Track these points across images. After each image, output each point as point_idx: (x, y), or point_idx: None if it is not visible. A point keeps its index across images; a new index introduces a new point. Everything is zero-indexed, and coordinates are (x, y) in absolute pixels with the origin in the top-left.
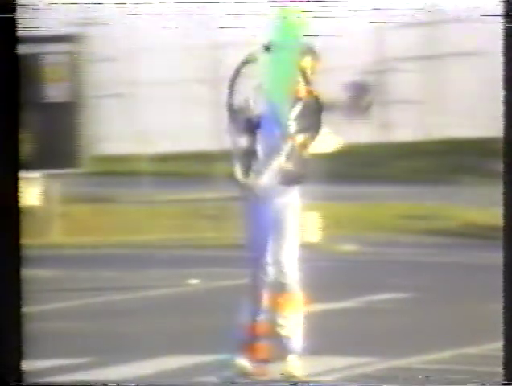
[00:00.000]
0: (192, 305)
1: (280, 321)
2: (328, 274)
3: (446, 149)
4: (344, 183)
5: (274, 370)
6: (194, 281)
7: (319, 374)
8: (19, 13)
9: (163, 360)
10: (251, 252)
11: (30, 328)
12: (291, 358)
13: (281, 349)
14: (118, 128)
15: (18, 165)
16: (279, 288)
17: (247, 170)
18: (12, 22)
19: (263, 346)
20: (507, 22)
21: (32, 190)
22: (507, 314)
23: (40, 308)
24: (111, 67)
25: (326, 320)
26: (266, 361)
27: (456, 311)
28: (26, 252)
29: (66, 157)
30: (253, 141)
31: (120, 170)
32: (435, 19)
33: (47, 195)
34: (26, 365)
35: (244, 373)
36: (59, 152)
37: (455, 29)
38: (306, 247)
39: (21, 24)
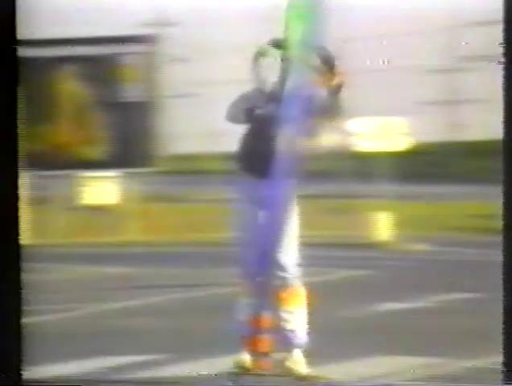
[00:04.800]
0: None
1: (283, 316)
2: (398, 274)
3: None
4: (414, 183)
5: (276, 364)
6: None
7: (389, 374)
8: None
9: (226, 360)
10: (254, 248)
11: (79, 329)
12: (294, 353)
13: (285, 344)
14: (190, 127)
15: (18, 165)
16: (282, 283)
17: (254, 165)
18: (10, 23)
19: (266, 340)
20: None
21: (109, 189)
22: (507, 314)
23: (112, 305)
24: (184, 67)
25: (396, 320)
26: (268, 355)
27: None
28: (56, 251)
29: (141, 156)
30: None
31: (192, 169)
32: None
33: (123, 193)
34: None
35: (245, 368)
36: (134, 151)
37: None
38: (376, 246)
39: (93, 26)
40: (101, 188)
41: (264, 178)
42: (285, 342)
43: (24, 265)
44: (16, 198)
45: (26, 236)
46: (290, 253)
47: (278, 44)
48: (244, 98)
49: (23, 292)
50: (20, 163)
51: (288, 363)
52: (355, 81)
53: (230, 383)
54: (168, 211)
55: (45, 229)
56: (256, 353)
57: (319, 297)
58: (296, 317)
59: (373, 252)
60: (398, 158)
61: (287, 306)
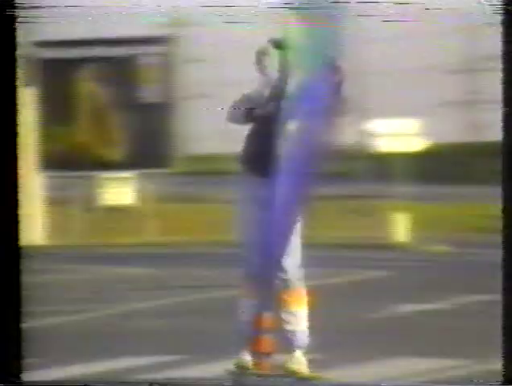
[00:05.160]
0: None
1: (285, 317)
2: (416, 275)
3: None
4: (433, 184)
5: (278, 365)
6: None
7: (409, 376)
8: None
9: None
10: (257, 249)
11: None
12: (296, 353)
13: (286, 345)
14: (208, 128)
15: (18, 164)
16: (284, 284)
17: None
18: (9, 22)
19: (268, 341)
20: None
21: (127, 190)
22: (506, 314)
23: (131, 307)
24: (201, 68)
25: (416, 321)
26: (270, 355)
27: None
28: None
29: (158, 157)
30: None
31: (209, 169)
32: None
33: (140, 194)
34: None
35: (247, 368)
36: (152, 152)
37: None
38: (395, 247)
39: (112, 28)
40: (119, 189)
41: (267, 179)
42: (287, 343)
43: (41, 266)
44: (16, 198)
45: (45, 237)
46: (292, 255)
47: (278, 44)
48: (244, 99)
49: (24, 293)
50: (38, 164)
51: (290, 364)
52: (374, 82)
53: (232, 384)
54: (186, 212)
55: (64, 230)
56: (258, 353)
57: (338, 299)
58: (298, 318)
59: (391, 253)
60: (417, 159)
61: (289, 308)
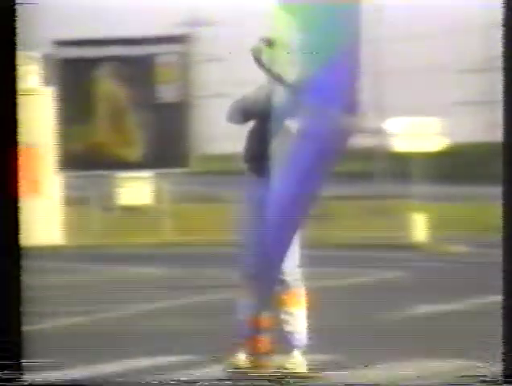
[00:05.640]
0: None
1: (284, 317)
2: (435, 275)
3: None
4: (451, 184)
5: (277, 365)
6: None
7: (426, 377)
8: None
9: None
10: (254, 250)
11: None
12: (294, 354)
13: (285, 345)
14: (226, 127)
15: (18, 164)
16: (282, 285)
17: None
18: (9, 20)
19: (266, 340)
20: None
21: (145, 190)
22: (506, 314)
23: (148, 306)
24: (219, 67)
25: (434, 322)
26: (268, 355)
27: None
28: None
29: (176, 156)
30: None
31: (227, 169)
32: None
33: (158, 194)
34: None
35: (244, 368)
36: (169, 152)
37: None
38: (414, 247)
39: (130, 27)
40: (137, 189)
41: (266, 178)
42: (285, 343)
43: (62, 266)
44: (16, 198)
45: (63, 237)
46: (291, 255)
47: (270, 42)
48: (243, 98)
49: (24, 294)
50: (57, 163)
51: (288, 364)
52: (393, 81)
53: (230, 383)
54: (203, 212)
55: (81, 230)
56: (256, 353)
57: (355, 299)
58: (296, 318)
59: (409, 253)
60: (437, 159)
61: (287, 308)
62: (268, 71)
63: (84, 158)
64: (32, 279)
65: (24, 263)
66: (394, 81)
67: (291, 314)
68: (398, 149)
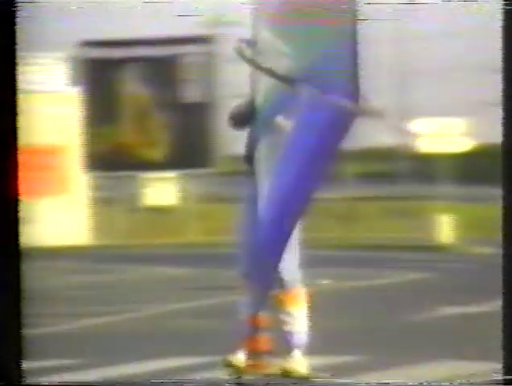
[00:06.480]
0: (325, 305)
1: (283, 317)
2: (461, 277)
3: None
4: (478, 185)
5: (276, 365)
6: (326, 282)
7: (450, 378)
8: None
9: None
10: (251, 249)
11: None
12: (294, 354)
13: (284, 345)
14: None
15: (18, 164)
16: (282, 284)
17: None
18: (10, 20)
19: (264, 339)
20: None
21: (170, 190)
22: (507, 314)
23: (174, 307)
24: (243, 67)
25: (458, 323)
26: (268, 354)
27: None
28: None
29: (201, 157)
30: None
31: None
32: None
33: (184, 194)
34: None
35: (243, 367)
36: (194, 152)
37: None
38: (440, 248)
39: (154, 28)
40: (162, 189)
41: (267, 179)
42: (285, 343)
43: (89, 266)
44: (16, 198)
45: (89, 237)
46: (290, 255)
47: (250, 43)
48: (236, 105)
49: (23, 296)
50: (84, 164)
51: (287, 364)
52: (419, 81)
53: (230, 383)
54: (228, 212)
55: (107, 230)
56: (256, 352)
57: (381, 300)
58: (295, 318)
59: (436, 254)
60: (462, 160)
61: (286, 308)
62: (258, 66)
63: (111, 159)
64: (57, 279)
65: (48, 263)
66: (420, 81)
67: (290, 313)
68: (425, 149)
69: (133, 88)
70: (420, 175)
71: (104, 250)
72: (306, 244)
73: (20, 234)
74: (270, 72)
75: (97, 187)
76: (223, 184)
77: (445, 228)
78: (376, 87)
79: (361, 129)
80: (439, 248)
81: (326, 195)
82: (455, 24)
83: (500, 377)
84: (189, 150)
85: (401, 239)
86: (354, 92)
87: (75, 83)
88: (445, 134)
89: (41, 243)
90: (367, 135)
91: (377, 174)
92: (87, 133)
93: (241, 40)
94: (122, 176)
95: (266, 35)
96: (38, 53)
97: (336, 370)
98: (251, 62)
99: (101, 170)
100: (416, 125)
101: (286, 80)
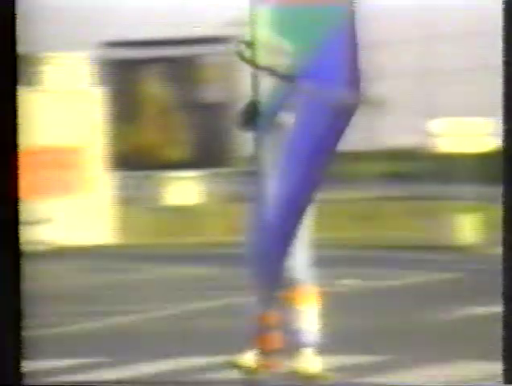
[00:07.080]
0: (346, 305)
1: (292, 315)
2: (481, 278)
3: None
4: (499, 184)
5: (287, 363)
6: (347, 282)
7: (471, 380)
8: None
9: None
10: (260, 248)
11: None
12: (304, 352)
13: (295, 343)
14: None
15: (18, 164)
16: (292, 282)
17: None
18: (11, 22)
19: (274, 337)
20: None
21: (192, 190)
22: (507, 314)
23: (196, 306)
24: None
25: (480, 324)
26: (278, 353)
27: None
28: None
29: (223, 156)
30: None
31: None
32: None
33: (205, 194)
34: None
35: (254, 366)
36: (216, 151)
37: None
38: (461, 249)
39: (175, 28)
40: (184, 189)
41: (271, 178)
42: (295, 341)
43: (110, 265)
44: (16, 199)
45: (112, 236)
46: (299, 253)
47: (247, 44)
48: (242, 105)
49: (22, 297)
50: (107, 163)
51: (298, 363)
52: (441, 81)
53: (242, 382)
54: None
55: (129, 229)
56: (266, 351)
57: (402, 301)
58: (305, 316)
59: (456, 255)
60: (483, 159)
61: (296, 306)
62: (258, 66)
63: (133, 159)
64: (83, 278)
65: (76, 262)
66: (442, 81)
67: (299, 312)
68: (448, 149)
69: (154, 88)
70: (444, 175)
71: (127, 249)
72: (330, 244)
73: (20, 234)
74: (270, 71)
75: (119, 187)
76: (245, 184)
77: (467, 229)
78: (400, 87)
79: (385, 130)
80: (460, 249)
81: (347, 195)
82: (480, 24)
83: None
84: (210, 150)
85: (422, 239)
86: (354, 82)
87: (98, 83)
88: (469, 134)
89: (65, 242)
90: (391, 135)
91: (401, 174)
92: (109, 133)
93: (240, 41)
94: (144, 175)
95: (264, 33)
96: (60, 53)
97: (359, 370)
98: (251, 62)
99: (123, 169)
100: (440, 125)
101: (286, 77)
